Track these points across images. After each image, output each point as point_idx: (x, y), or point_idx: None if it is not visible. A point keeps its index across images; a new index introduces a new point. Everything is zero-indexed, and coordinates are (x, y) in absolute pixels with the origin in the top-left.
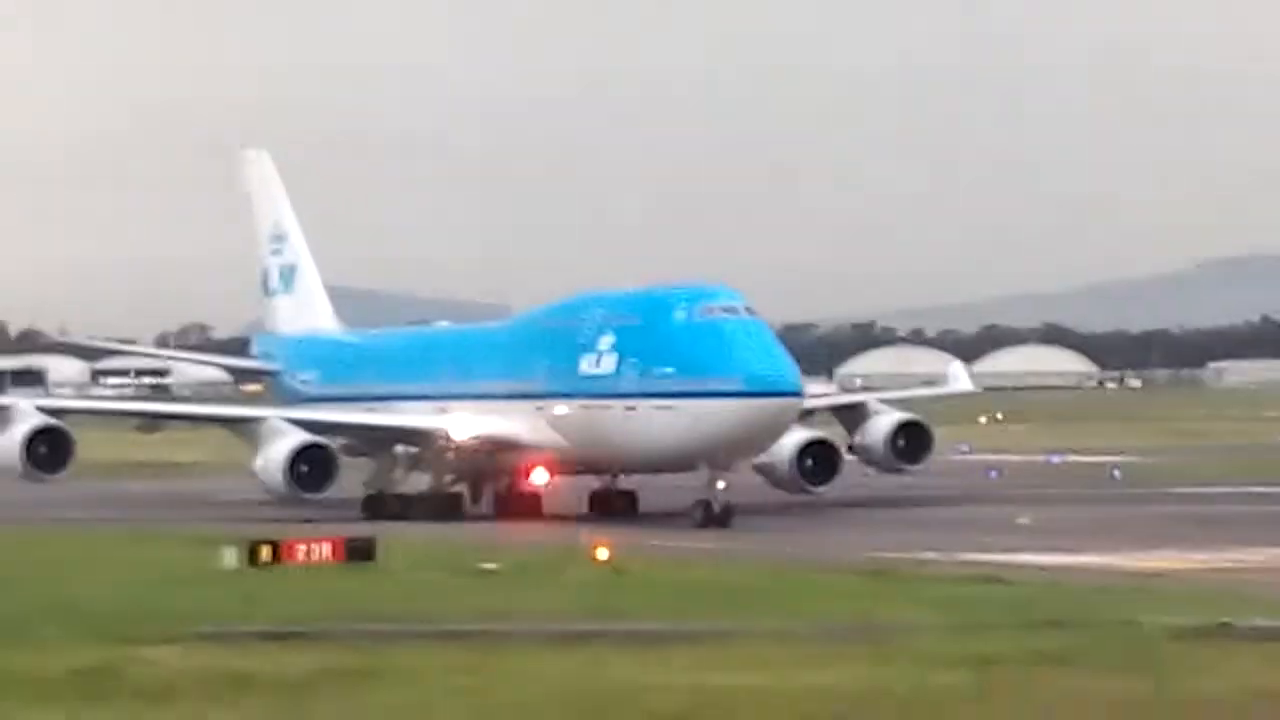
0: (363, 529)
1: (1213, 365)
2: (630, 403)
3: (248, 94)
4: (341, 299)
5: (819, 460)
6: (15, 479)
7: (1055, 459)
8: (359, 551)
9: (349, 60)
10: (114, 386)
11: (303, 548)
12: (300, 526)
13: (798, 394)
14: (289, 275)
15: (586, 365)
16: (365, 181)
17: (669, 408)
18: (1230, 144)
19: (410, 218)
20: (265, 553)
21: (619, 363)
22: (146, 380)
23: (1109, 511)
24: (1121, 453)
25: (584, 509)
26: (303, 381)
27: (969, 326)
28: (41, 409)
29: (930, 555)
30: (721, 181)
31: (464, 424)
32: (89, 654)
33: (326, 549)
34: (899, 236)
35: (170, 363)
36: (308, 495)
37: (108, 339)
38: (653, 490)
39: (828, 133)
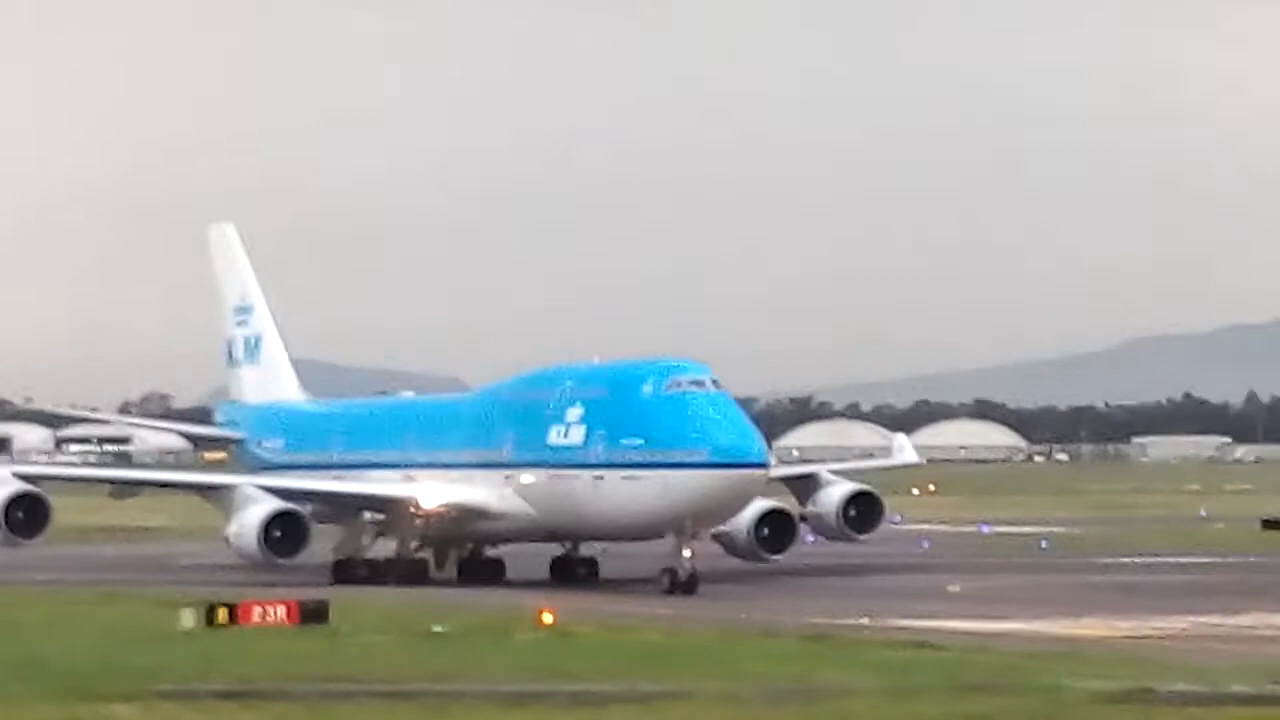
0: (330, 593)
1: (1137, 440)
2: (598, 473)
3: (210, 165)
4: (303, 370)
5: (775, 529)
6: None
7: (985, 529)
8: (313, 614)
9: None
10: (78, 453)
11: (259, 609)
12: (259, 589)
13: (764, 465)
14: (254, 346)
15: (555, 436)
16: (325, 255)
17: (637, 478)
18: (1150, 226)
19: (368, 292)
20: (222, 614)
21: (587, 434)
22: (109, 448)
23: (1036, 580)
24: (1048, 524)
25: (546, 575)
26: (268, 449)
27: (903, 401)
28: (18, 475)
29: (865, 621)
30: (663, 257)
31: (432, 492)
32: (54, 710)
33: (281, 611)
34: (834, 313)
35: (131, 430)
36: (281, 560)
37: (72, 407)
38: (615, 558)
39: (760, 207)
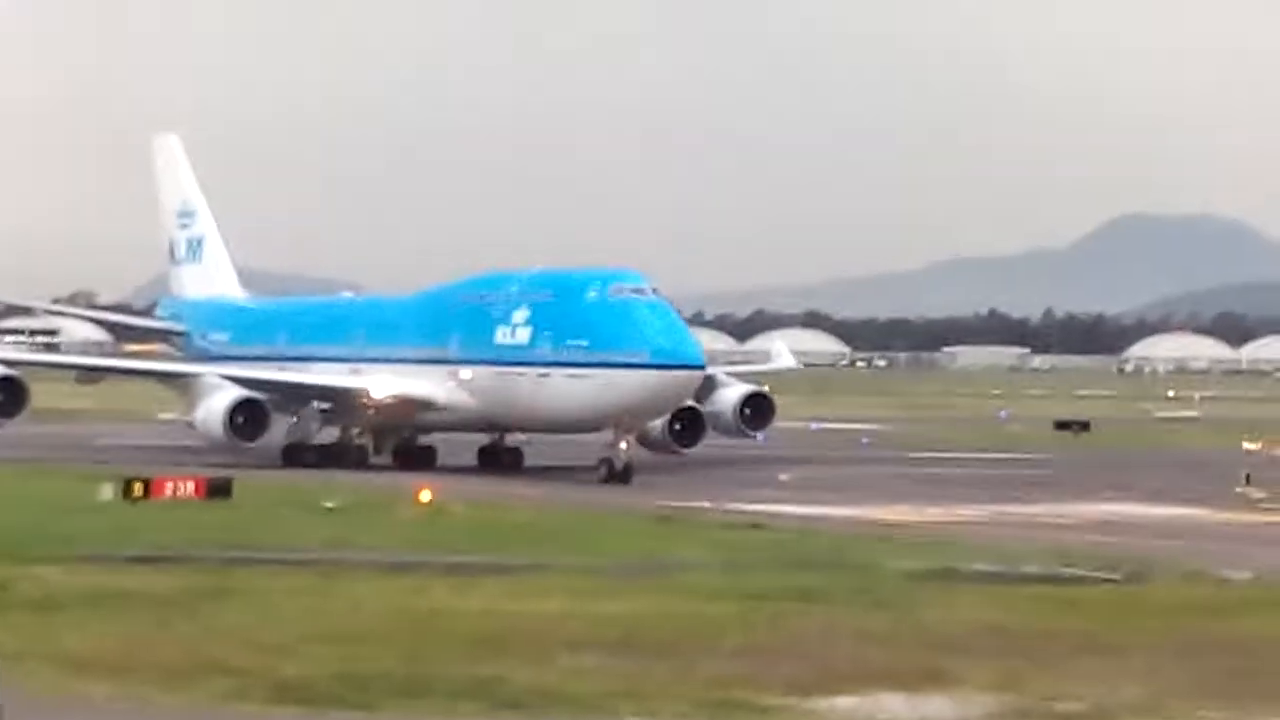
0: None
1: (946, 349)
2: (543, 370)
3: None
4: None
5: (686, 425)
6: None
7: (814, 426)
8: (218, 489)
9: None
10: (11, 343)
11: (170, 485)
12: (167, 467)
13: (701, 367)
14: (196, 246)
15: (501, 336)
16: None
17: (581, 376)
18: (963, 155)
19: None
20: (138, 488)
21: (533, 335)
22: (40, 339)
23: (857, 471)
24: (869, 422)
25: (474, 462)
26: (213, 342)
27: (742, 311)
28: None
29: (706, 504)
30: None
31: (382, 384)
32: None
33: (190, 486)
34: (681, 234)
35: (60, 323)
36: (245, 444)
37: (8, 303)
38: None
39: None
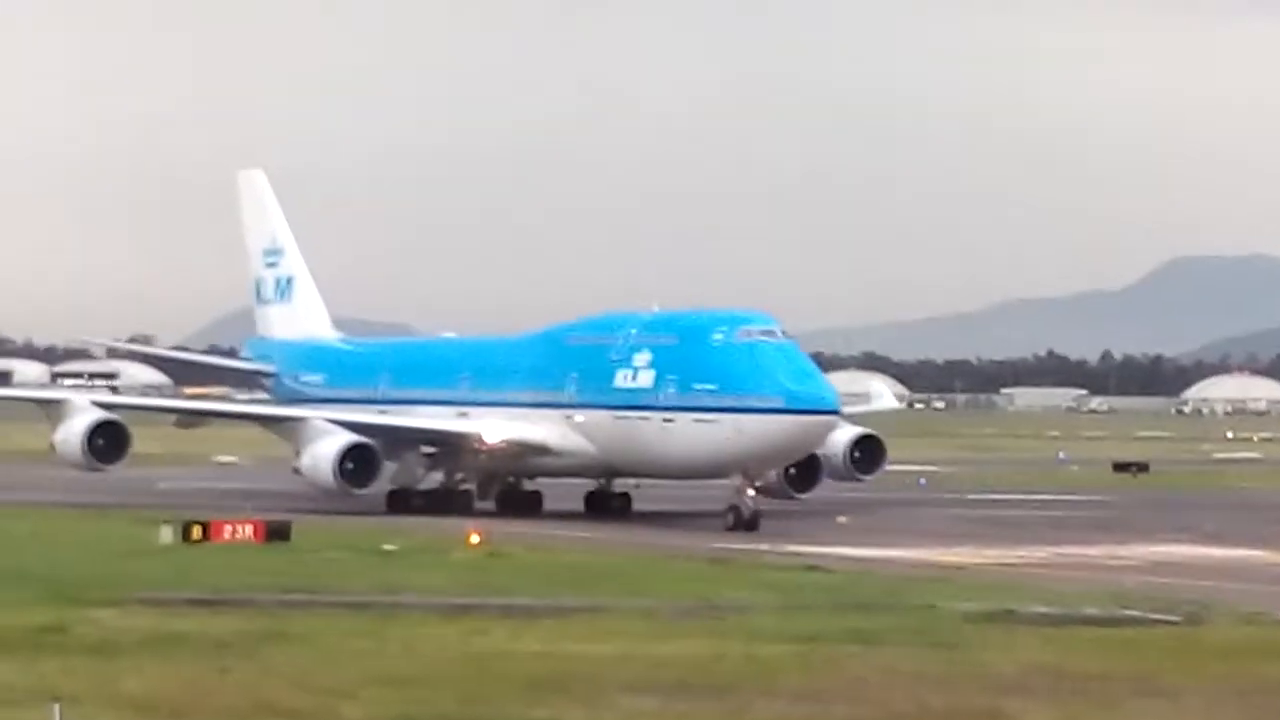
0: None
1: (1004, 391)
2: (668, 415)
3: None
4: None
5: (801, 470)
6: (77, 469)
7: None
8: (277, 533)
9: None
10: (72, 386)
11: (229, 528)
12: (225, 509)
13: (837, 412)
14: (285, 286)
15: (622, 379)
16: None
17: (708, 421)
18: (1020, 200)
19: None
20: (197, 531)
21: (657, 378)
22: (99, 382)
23: (914, 513)
24: (927, 463)
25: (580, 507)
26: (307, 383)
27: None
28: (96, 404)
29: (763, 547)
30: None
31: (495, 429)
32: (44, 613)
33: (249, 529)
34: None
35: (118, 366)
36: (355, 491)
37: (66, 347)
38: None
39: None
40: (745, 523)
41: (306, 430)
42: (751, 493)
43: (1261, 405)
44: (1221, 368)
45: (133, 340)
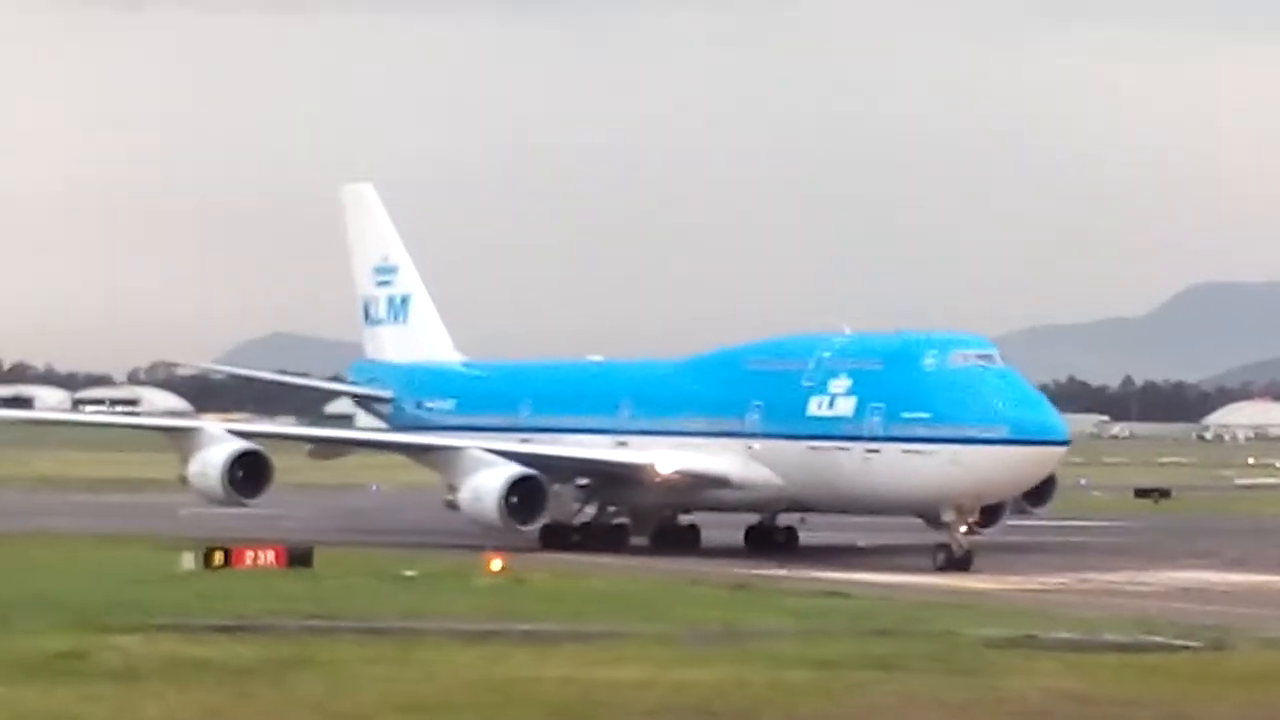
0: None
1: None
2: (873, 445)
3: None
4: (270, 343)
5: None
6: (215, 503)
7: None
8: (299, 558)
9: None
10: (94, 413)
11: (250, 554)
12: (245, 534)
13: (1067, 443)
14: (400, 305)
15: (816, 407)
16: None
17: (921, 452)
18: (1036, 220)
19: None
20: (218, 557)
21: (859, 405)
22: (120, 408)
23: (934, 538)
24: None
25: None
26: (433, 409)
27: None
28: (232, 432)
29: (783, 572)
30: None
31: (669, 459)
32: (66, 640)
33: (271, 555)
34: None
35: (137, 392)
36: (520, 527)
37: (88, 373)
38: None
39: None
40: (957, 563)
41: (464, 461)
42: (963, 529)
43: None
44: (1243, 394)
45: (154, 367)
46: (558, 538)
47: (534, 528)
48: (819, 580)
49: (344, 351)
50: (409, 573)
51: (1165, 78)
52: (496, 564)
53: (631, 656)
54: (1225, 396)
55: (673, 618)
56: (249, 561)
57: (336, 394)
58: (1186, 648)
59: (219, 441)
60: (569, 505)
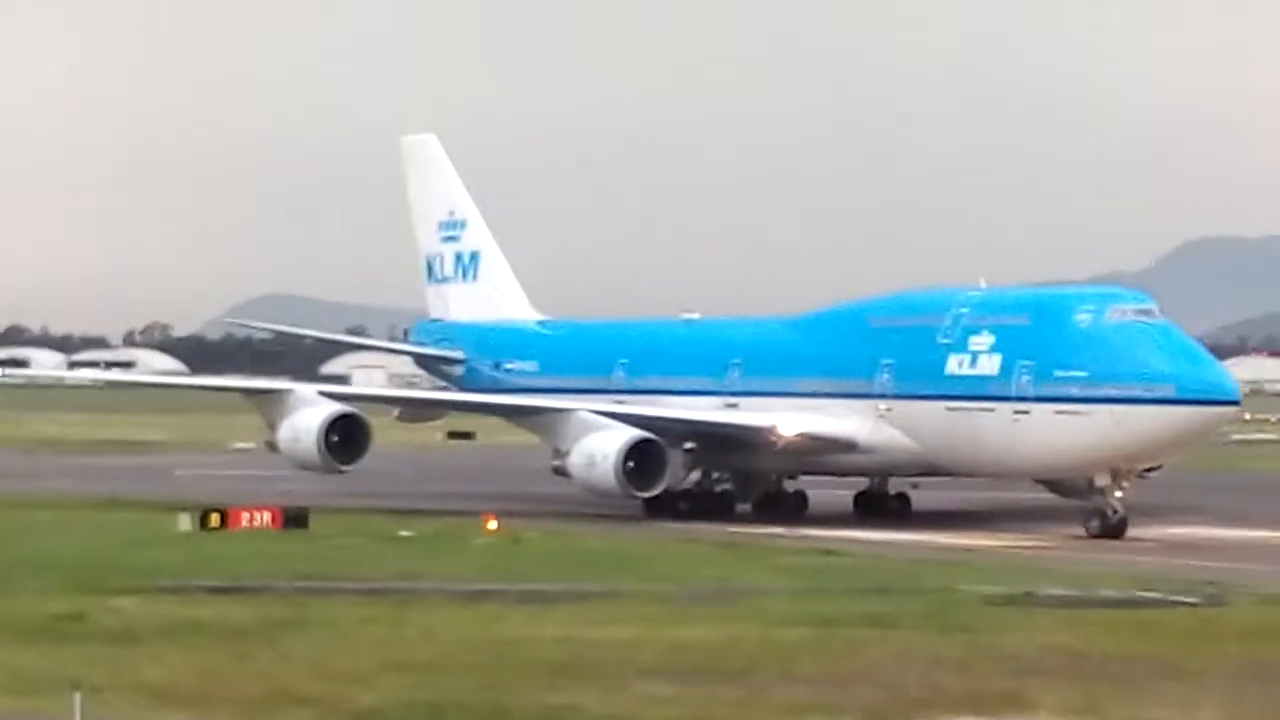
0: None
1: None
2: (1022, 406)
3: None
4: (271, 303)
5: None
6: (310, 470)
7: None
8: (294, 519)
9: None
10: (89, 375)
11: (247, 515)
12: (242, 496)
13: (1238, 403)
14: (468, 262)
15: (955, 365)
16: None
17: (1079, 413)
18: (1032, 177)
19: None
20: (215, 519)
21: (1005, 364)
22: (116, 370)
23: (930, 496)
24: None
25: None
26: (509, 371)
27: None
28: (324, 394)
29: (778, 531)
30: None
31: (793, 422)
32: (65, 602)
33: (267, 516)
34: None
35: (132, 354)
36: (637, 495)
37: (83, 335)
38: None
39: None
40: (1112, 529)
41: (573, 424)
42: (1119, 494)
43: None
44: (1239, 349)
45: (148, 329)
46: (665, 505)
47: (652, 494)
48: (813, 539)
49: (342, 314)
50: (405, 533)
51: (1174, 33)
52: (492, 524)
53: (626, 616)
54: (1222, 352)
55: (668, 577)
56: (245, 522)
57: (398, 352)
58: (1183, 604)
59: (312, 404)
60: (677, 471)
